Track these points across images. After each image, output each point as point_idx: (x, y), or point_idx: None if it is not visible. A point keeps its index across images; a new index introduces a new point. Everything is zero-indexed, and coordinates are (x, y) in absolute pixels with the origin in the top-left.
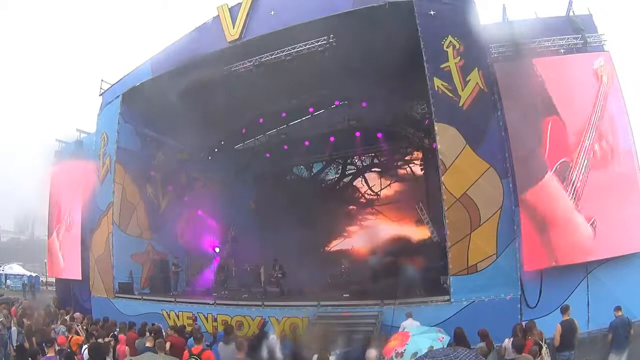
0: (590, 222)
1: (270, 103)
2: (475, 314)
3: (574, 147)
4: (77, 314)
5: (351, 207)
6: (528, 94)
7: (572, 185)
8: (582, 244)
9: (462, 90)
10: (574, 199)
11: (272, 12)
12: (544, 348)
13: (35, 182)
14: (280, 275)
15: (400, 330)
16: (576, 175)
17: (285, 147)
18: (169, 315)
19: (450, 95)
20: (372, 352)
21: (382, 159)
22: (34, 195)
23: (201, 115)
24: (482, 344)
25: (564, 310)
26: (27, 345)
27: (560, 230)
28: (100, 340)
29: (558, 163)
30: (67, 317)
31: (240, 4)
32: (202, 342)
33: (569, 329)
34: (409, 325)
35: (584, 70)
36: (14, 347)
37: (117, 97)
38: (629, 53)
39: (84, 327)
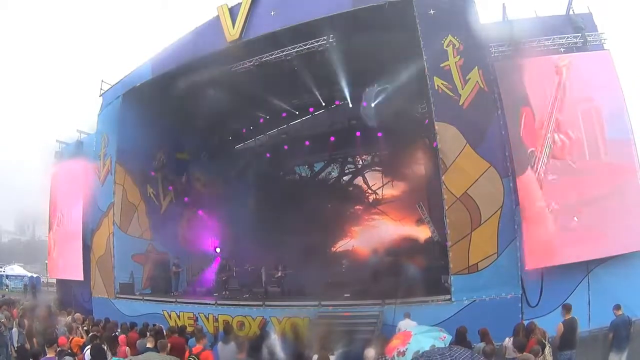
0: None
1: (271, 103)
2: (476, 313)
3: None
4: (77, 315)
5: (352, 206)
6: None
7: (537, 175)
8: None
9: (462, 89)
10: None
11: (272, 12)
12: (547, 347)
13: (35, 183)
14: (281, 275)
15: (397, 330)
16: (540, 165)
17: (286, 147)
18: (169, 315)
19: (450, 94)
20: (370, 352)
21: (382, 159)
22: (34, 196)
23: (201, 115)
24: (482, 344)
25: (566, 309)
26: (28, 346)
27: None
28: (101, 341)
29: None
30: (69, 318)
31: (240, 4)
32: (202, 342)
33: (570, 328)
34: (405, 325)
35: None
36: (15, 348)
37: (118, 97)
38: (629, 52)
39: (85, 328)
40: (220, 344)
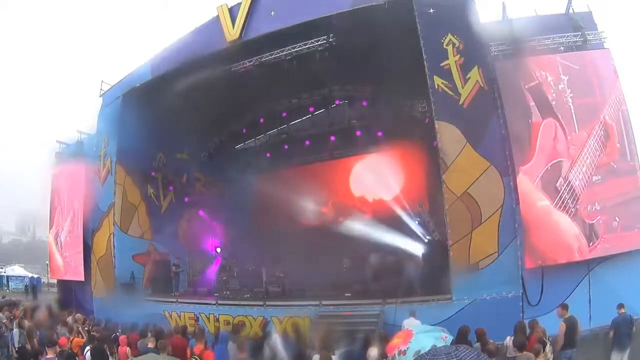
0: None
1: (271, 103)
2: (477, 312)
3: (575, 147)
4: (77, 315)
5: (352, 206)
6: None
7: (569, 185)
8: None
9: (462, 88)
10: (571, 197)
11: (272, 12)
12: (548, 346)
13: (36, 184)
14: (281, 275)
15: (402, 328)
16: (574, 175)
17: (286, 146)
18: (170, 315)
19: (451, 93)
20: (373, 351)
21: (382, 158)
22: (35, 196)
23: (201, 115)
24: (477, 344)
25: (565, 308)
26: (29, 346)
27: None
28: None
29: (551, 164)
30: (69, 318)
31: (240, 3)
32: (203, 342)
33: (571, 326)
34: (409, 324)
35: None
36: (16, 349)
37: (118, 98)
38: (629, 50)
39: (86, 328)
40: (230, 344)
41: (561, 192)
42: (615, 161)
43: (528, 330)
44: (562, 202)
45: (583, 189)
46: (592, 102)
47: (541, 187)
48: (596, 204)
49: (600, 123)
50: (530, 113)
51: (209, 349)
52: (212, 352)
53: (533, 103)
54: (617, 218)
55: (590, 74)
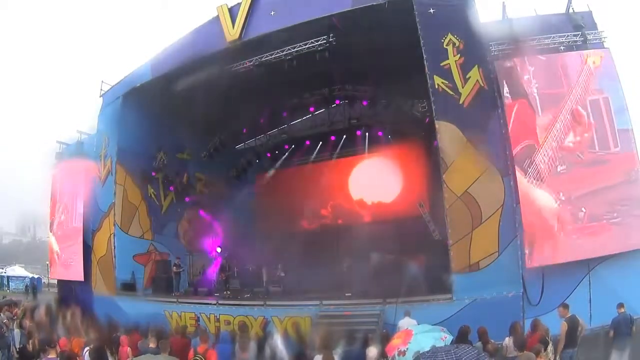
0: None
1: (271, 103)
2: (478, 312)
3: (542, 130)
4: (77, 313)
5: (352, 205)
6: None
7: (536, 168)
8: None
9: (463, 88)
10: (537, 180)
11: (272, 12)
12: (550, 345)
13: (36, 184)
14: (282, 275)
15: (398, 329)
16: (540, 158)
17: (286, 146)
18: (171, 315)
19: (451, 93)
20: (372, 351)
21: (382, 158)
22: (35, 197)
23: (202, 115)
24: (479, 343)
25: (566, 307)
26: (29, 347)
27: None
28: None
29: (522, 145)
30: (69, 317)
31: (240, 4)
32: (207, 342)
33: (572, 326)
34: (406, 324)
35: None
36: (17, 349)
37: (118, 98)
38: (629, 50)
39: (85, 327)
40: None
41: (528, 173)
42: (582, 152)
43: (530, 330)
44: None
45: (547, 174)
46: (602, 94)
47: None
48: (561, 194)
49: (567, 110)
50: (503, 93)
51: (211, 348)
52: (215, 351)
53: (506, 83)
54: (583, 209)
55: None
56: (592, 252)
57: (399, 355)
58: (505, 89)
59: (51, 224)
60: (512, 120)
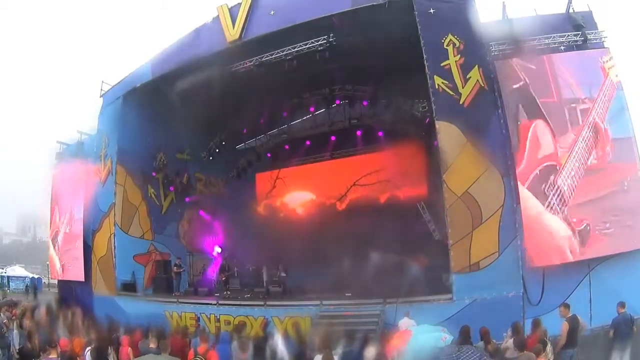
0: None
1: (271, 103)
2: (478, 312)
3: (564, 150)
4: (78, 312)
5: (352, 204)
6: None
7: (557, 189)
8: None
9: (463, 88)
10: (559, 202)
11: (272, 12)
12: (548, 345)
13: (36, 184)
14: (282, 275)
15: (397, 329)
16: (562, 179)
17: (287, 146)
18: (171, 315)
19: (451, 93)
20: (369, 351)
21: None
22: (35, 197)
23: (202, 115)
24: (481, 343)
25: (567, 307)
26: (29, 346)
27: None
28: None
29: (541, 167)
30: (69, 317)
31: (240, 4)
32: (207, 342)
33: (573, 326)
34: (405, 324)
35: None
36: (17, 350)
37: (118, 98)
38: (629, 50)
39: (86, 327)
40: (234, 344)
41: (550, 196)
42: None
43: (530, 330)
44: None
45: (571, 193)
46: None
47: (531, 190)
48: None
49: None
50: (518, 114)
51: (212, 349)
52: (216, 352)
53: (521, 104)
54: (574, 219)
55: (586, 74)
56: (592, 253)
57: (398, 355)
58: (521, 110)
59: (51, 224)
60: (527, 143)
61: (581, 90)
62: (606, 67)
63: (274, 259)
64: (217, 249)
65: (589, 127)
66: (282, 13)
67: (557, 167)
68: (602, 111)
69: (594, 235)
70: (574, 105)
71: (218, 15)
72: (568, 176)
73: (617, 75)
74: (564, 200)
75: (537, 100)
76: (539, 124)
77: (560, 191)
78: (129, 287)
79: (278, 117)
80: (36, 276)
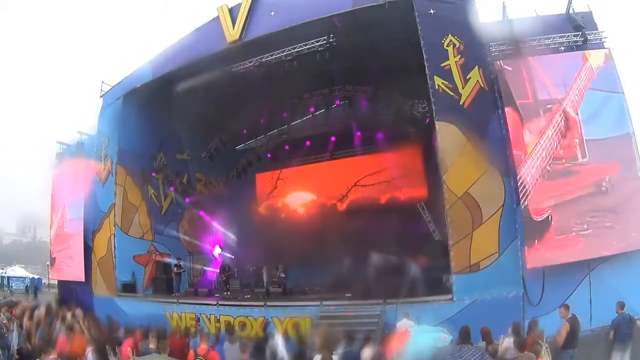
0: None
1: (271, 103)
2: (478, 312)
3: (530, 139)
4: (77, 311)
5: (353, 204)
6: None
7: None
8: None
9: (463, 89)
10: (523, 194)
11: (272, 13)
12: (544, 348)
13: (36, 185)
14: (282, 275)
15: (396, 330)
16: (526, 170)
17: (286, 147)
18: (171, 316)
19: (451, 93)
20: (366, 352)
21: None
22: (35, 197)
23: (202, 116)
24: (483, 343)
25: (567, 308)
26: (29, 346)
27: None
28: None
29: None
30: (69, 316)
31: (240, 4)
32: (207, 343)
33: (574, 326)
34: (404, 325)
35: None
36: (17, 350)
37: (118, 98)
38: (629, 50)
39: (87, 327)
40: (226, 344)
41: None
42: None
43: (527, 331)
44: None
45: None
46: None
47: None
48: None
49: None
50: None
51: (212, 349)
52: (216, 352)
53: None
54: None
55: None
56: (593, 253)
57: (397, 355)
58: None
59: (51, 225)
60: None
61: (557, 91)
62: (587, 54)
63: (274, 259)
64: (218, 250)
65: (560, 115)
66: (282, 13)
67: (523, 157)
68: (576, 98)
69: (569, 237)
70: (549, 106)
71: (218, 16)
72: (533, 165)
73: (601, 63)
74: (527, 192)
75: (509, 87)
76: (509, 111)
77: (523, 181)
78: (129, 288)
79: (278, 118)
80: (36, 276)
